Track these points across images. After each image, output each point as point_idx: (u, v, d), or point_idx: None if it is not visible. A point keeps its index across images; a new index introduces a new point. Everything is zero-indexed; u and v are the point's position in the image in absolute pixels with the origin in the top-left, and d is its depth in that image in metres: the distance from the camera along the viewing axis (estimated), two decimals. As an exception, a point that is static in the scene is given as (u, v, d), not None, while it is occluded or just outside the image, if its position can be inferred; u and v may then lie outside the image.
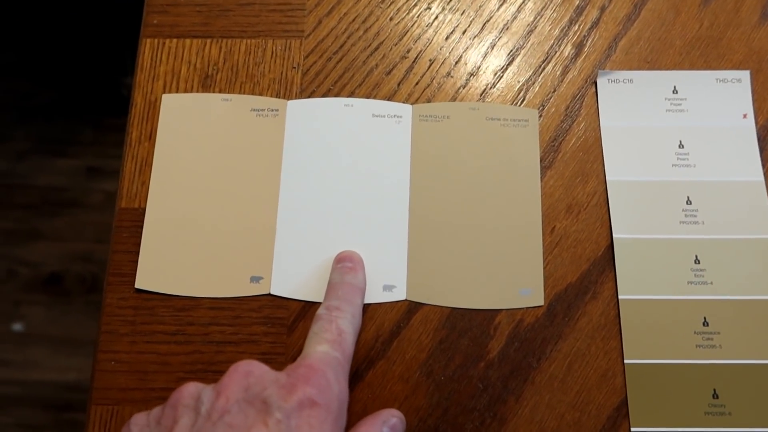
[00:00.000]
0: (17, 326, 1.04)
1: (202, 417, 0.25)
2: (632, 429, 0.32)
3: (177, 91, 0.38)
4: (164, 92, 0.37)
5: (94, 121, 1.15)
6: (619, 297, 0.33)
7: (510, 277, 0.34)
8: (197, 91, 0.38)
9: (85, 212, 1.11)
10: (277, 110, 0.37)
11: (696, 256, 0.34)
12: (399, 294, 0.34)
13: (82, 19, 1.15)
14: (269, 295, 0.34)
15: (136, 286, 0.34)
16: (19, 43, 1.18)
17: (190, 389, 0.27)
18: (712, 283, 0.34)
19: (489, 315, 0.34)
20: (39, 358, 1.03)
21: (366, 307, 0.34)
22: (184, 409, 0.26)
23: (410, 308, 0.34)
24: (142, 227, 0.35)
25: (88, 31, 1.15)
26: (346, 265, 0.33)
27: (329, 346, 0.28)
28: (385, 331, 0.34)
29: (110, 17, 1.10)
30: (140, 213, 0.35)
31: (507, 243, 0.35)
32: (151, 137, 0.37)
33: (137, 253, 0.35)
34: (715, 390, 0.32)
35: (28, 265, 1.08)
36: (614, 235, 0.34)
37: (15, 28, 1.17)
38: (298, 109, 0.37)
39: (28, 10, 1.16)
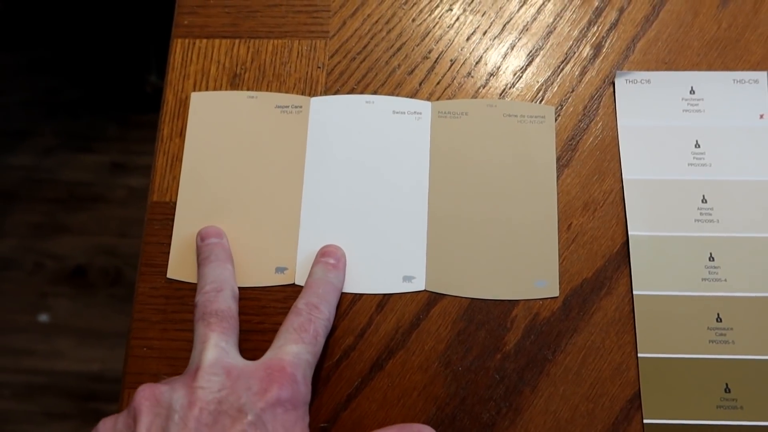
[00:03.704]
0: (43, 317, 1.07)
1: (176, 424, 0.27)
2: (645, 421, 0.32)
3: (206, 90, 0.39)
4: (194, 91, 0.39)
5: (119, 118, 1.18)
6: (634, 292, 0.34)
7: (526, 269, 0.35)
8: (226, 90, 0.39)
9: (109, 207, 1.13)
10: (301, 107, 0.38)
11: (710, 254, 0.35)
12: (418, 285, 0.35)
13: (109, 18, 1.17)
14: (293, 285, 0.36)
15: (168, 275, 0.36)
16: (47, 40, 1.20)
17: (156, 393, 0.28)
18: (726, 280, 0.34)
19: (506, 308, 0.35)
20: (64, 349, 1.05)
21: (387, 299, 0.35)
22: (155, 418, 0.27)
23: (429, 301, 0.35)
24: (172, 220, 0.37)
25: (114, 29, 1.18)
26: (329, 261, 0.35)
27: (304, 348, 0.30)
28: (405, 323, 0.35)
29: (136, 16, 1.13)
30: (171, 206, 0.37)
31: (523, 235, 0.36)
32: (182, 134, 0.38)
33: (168, 244, 0.36)
34: (727, 384, 0.33)
35: (54, 258, 1.11)
36: (630, 232, 0.35)
37: (43, 26, 1.20)
38: (321, 105, 0.39)
39: (56, 9, 1.18)
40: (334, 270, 0.34)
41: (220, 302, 0.32)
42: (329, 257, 0.35)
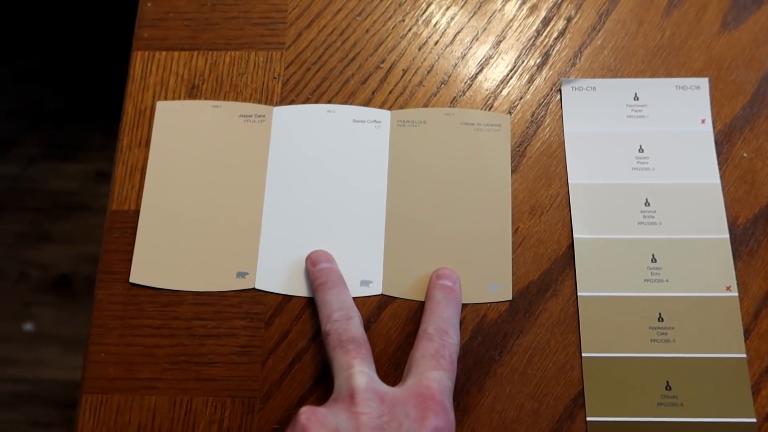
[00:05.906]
0: (28, 326, 1.08)
1: None
2: (588, 419, 0.33)
3: (165, 101, 0.40)
4: (153, 102, 0.40)
5: (103, 127, 1.19)
6: (579, 294, 0.35)
7: (481, 274, 0.36)
8: (185, 100, 0.40)
9: (93, 216, 1.14)
10: (264, 116, 0.39)
11: (653, 255, 0.36)
12: (375, 289, 0.36)
13: (92, 28, 1.18)
14: (253, 290, 0.36)
15: (131, 280, 0.36)
16: (31, 51, 1.21)
17: (318, 416, 0.29)
18: (667, 280, 0.35)
19: (454, 311, 0.35)
20: (49, 357, 1.06)
21: (339, 303, 0.36)
22: None
23: (381, 304, 0.36)
24: (131, 228, 0.37)
25: (97, 39, 1.19)
26: (446, 284, 0.35)
27: (445, 374, 0.31)
28: (357, 326, 0.35)
29: (119, 27, 1.14)
30: (130, 215, 0.38)
31: (478, 241, 0.37)
32: (141, 144, 0.39)
33: (127, 252, 0.37)
34: (668, 382, 0.34)
35: (38, 266, 1.11)
36: (575, 236, 0.36)
37: (27, 37, 1.21)
38: (284, 114, 0.39)
39: (40, 19, 1.19)
40: (452, 293, 0.35)
41: (353, 330, 0.33)
42: (446, 280, 0.35)
